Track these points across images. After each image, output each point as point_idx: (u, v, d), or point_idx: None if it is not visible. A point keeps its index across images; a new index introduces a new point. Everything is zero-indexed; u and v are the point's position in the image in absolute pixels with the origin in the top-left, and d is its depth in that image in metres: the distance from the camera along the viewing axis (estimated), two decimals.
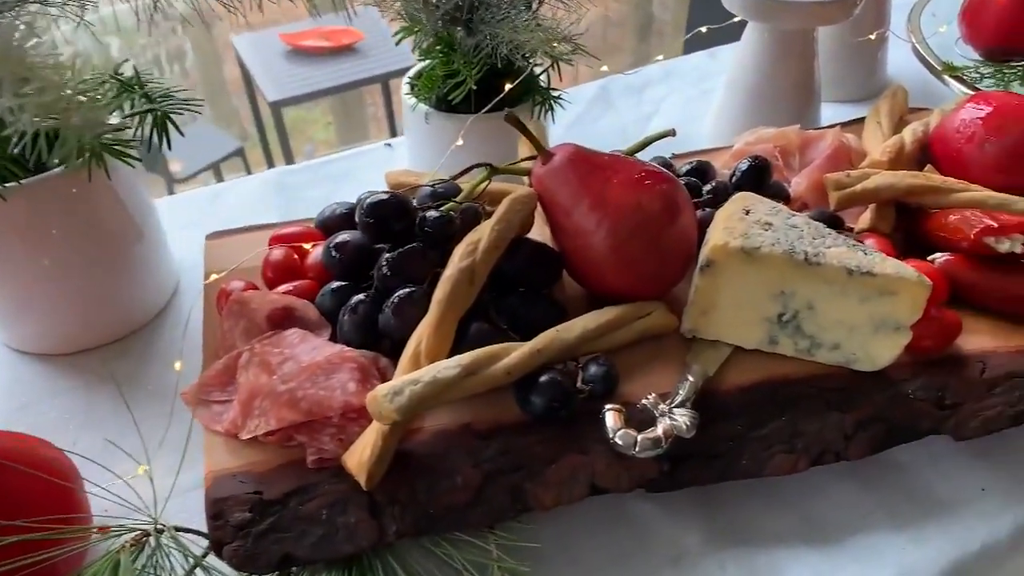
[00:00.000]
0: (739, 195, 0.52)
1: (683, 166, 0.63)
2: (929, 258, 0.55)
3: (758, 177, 0.58)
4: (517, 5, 0.68)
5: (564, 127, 0.85)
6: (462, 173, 0.56)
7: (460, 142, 0.61)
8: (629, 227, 0.49)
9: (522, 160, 0.54)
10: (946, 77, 0.80)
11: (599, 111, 0.87)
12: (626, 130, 0.84)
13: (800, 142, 0.65)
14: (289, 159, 3.17)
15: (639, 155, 0.61)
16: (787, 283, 0.48)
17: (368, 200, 0.51)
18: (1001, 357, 0.50)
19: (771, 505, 0.49)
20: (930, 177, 0.58)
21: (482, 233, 0.49)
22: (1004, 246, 0.52)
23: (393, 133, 2.89)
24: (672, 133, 0.58)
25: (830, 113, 0.83)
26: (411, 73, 0.74)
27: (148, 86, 0.58)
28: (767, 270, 0.47)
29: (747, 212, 0.49)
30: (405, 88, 0.73)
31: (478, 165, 0.54)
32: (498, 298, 0.51)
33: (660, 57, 0.89)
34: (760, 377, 0.50)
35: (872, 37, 0.77)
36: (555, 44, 0.60)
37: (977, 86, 0.78)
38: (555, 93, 0.72)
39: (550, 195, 0.51)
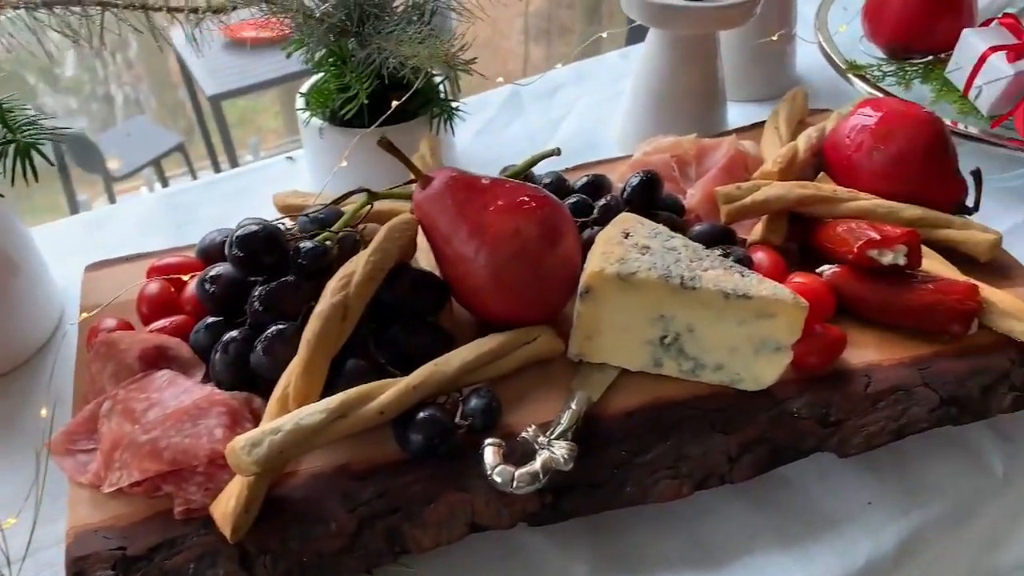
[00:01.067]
0: (621, 217, 0.51)
1: (579, 180, 0.62)
2: (818, 270, 0.55)
3: (649, 192, 0.57)
4: (409, 16, 0.66)
5: (473, 134, 0.83)
6: (343, 198, 0.54)
7: (344, 163, 0.59)
8: (508, 254, 0.48)
9: (402, 185, 0.52)
10: (850, 76, 0.80)
11: (509, 116, 0.86)
12: (535, 136, 0.83)
13: (696, 151, 0.65)
14: (232, 154, 3.10)
15: (539, 169, 0.61)
16: (665, 307, 0.47)
17: (237, 233, 0.49)
18: (886, 370, 0.50)
19: (660, 529, 0.49)
20: (820, 187, 0.58)
21: (357, 265, 0.48)
22: (887, 258, 0.52)
23: None
24: (556, 152, 0.56)
25: (738, 113, 0.83)
26: (306, 86, 0.72)
27: (10, 114, 0.55)
28: (644, 295, 0.47)
29: (626, 235, 0.49)
30: (299, 102, 0.71)
31: (358, 191, 0.52)
32: (379, 330, 0.49)
33: (587, 53, 0.88)
34: (646, 400, 0.49)
35: (774, 39, 0.77)
36: (442, 60, 0.58)
37: (880, 84, 0.78)
38: (455, 104, 0.71)
39: (430, 221, 0.50)
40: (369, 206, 0.53)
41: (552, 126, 0.84)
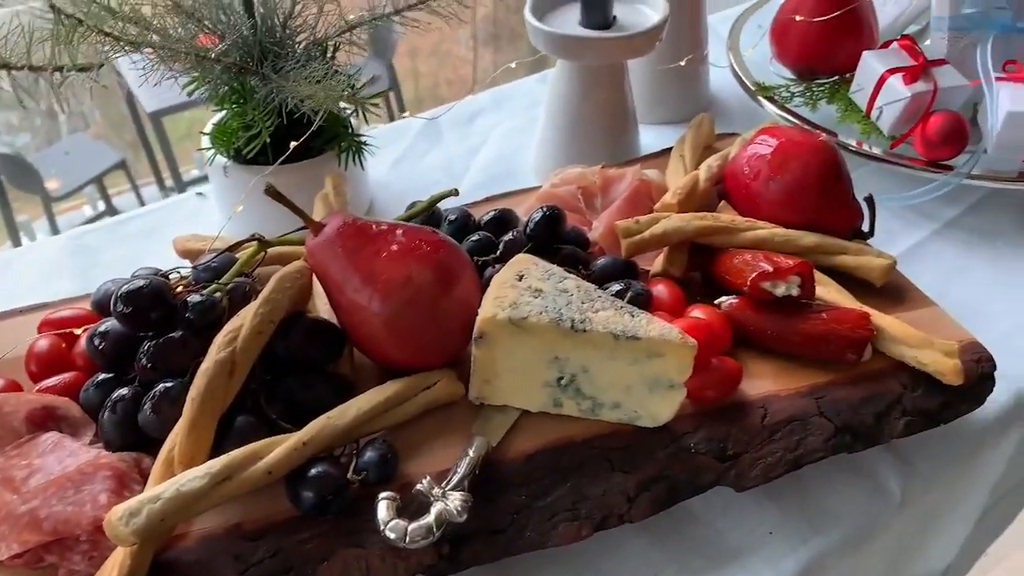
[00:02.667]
0: (517, 258, 0.51)
1: (486, 215, 0.62)
2: (716, 302, 0.55)
3: (551, 227, 0.57)
4: (311, 54, 0.65)
5: (389, 164, 0.83)
6: (237, 245, 0.53)
7: (239, 209, 0.58)
8: (401, 301, 0.47)
9: (295, 231, 0.52)
10: (759, 98, 0.81)
11: (427, 145, 0.85)
12: (453, 164, 0.83)
13: (602, 182, 0.65)
14: (175, 171, 3.04)
15: (446, 204, 0.60)
16: (559, 349, 0.47)
17: (122, 289, 0.47)
18: (782, 401, 0.51)
19: (565, 568, 0.49)
20: (718, 218, 0.59)
21: (245, 318, 0.47)
22: (780, 290, 0.53)
23: None
24: (455, 193, 0.56)
25: (653, 136, 0.84)
26: (210, 124, 0.70)
27: None
28: (537, 339, 0.47)
29: (520, 278, 0.48)
30: (204, 140, 0.70)
31: (251, 238, 0.52)
32: (272, 383, 0.48)
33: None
34: (546, 441, 0.49)
35: (682, 64, 0.78)
36: (338, 100, 0.58)
37: (788, 106, 0.80)
38: (362, 138, 0.70)
39: (322, 269, 0.49)
40: (262, 254, 0.52)
41: (470, 154, 0.84)
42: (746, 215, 0.61)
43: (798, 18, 0.77)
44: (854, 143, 0.75)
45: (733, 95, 0.88)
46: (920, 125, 0.71)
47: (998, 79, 0.71)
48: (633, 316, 0.47)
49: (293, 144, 0.59)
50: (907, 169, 0.72)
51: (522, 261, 0.50)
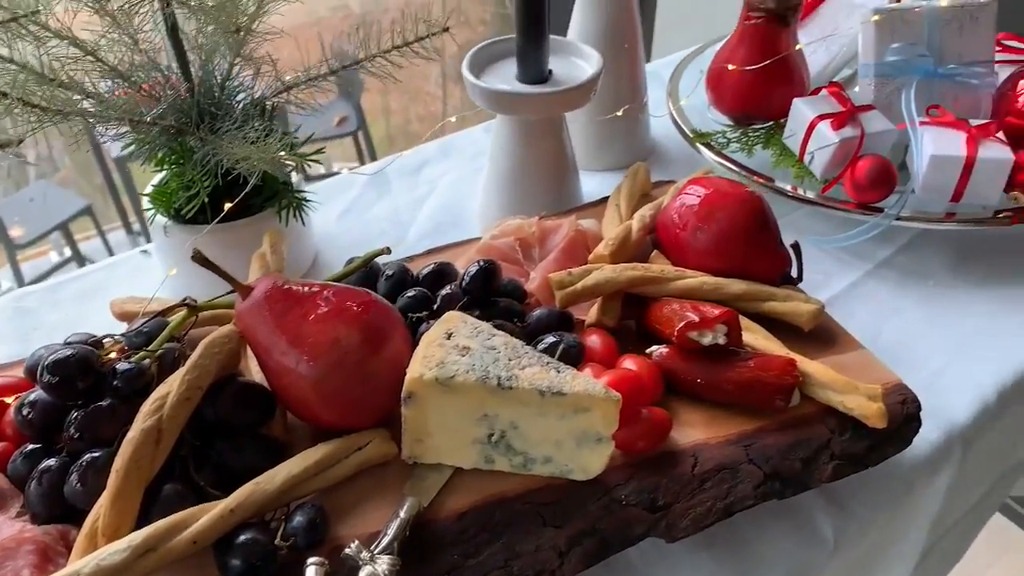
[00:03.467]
0: (447, 315, 0.51)
1: (424, 269, 0.62)
2: (647, 351, 0.56)
3: (486, 281, 0.58)
4: (249, 113, 0.66)
5: (336, 215, 0.83)
6: (169, 310, 0.53)
7: (174, 271, 0.58)
8: (328, 364, 0.47)
9: (224, 295, 0.52)
10: (697, 145, 0.83)
11: (374, 195, 0.86)
12: (400, 214, 0.83)
13: (540, 233, 0.66)
14: (142, 216, 3.03)
15: (391, 258, 0.61)
16: (487, 407, 0.47)
17: (48, 359, 0.47)
18: (712, 449, 0.52)
19: None
20: (649, 268, 0.60)
21: (171, 386, 0.47)
22: (707, 339, 0.54)
23: None
24: (387, 251, 0.57)
25: (596, 184, 0.85)
26: (150, 185, 0.71)
27: None
28: (465, 397, 0.47)
29: (448, 336, 0.49)
30: (145, 201, 0.70)
31: (181, 303, 0.52)
32: (203, 448, 0.48)
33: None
34: (480, 498, 0.49)
35: (619, 114, 0.79)
36: (272, 162, 0.58)
37: (724, 152, 0.82)
38: (303, 194, 0.71)
39: (251, 333, 0.50)
40: (193, 318, 0.52)
41: (417, 204, 0.85)
42: (678, 263, 0.62)
43: (730, 67, 0.80)
44: (789, 187, 0.77)
45: (675, 140, 0.90)
46: (849, 169, 0.73)
47: (922, 123, 0.74)
48: (559, 371, 0.47)
49: (228, 205, 0.60)
50: (839, 212, 0.74)
51: (451, 319, 0.51)
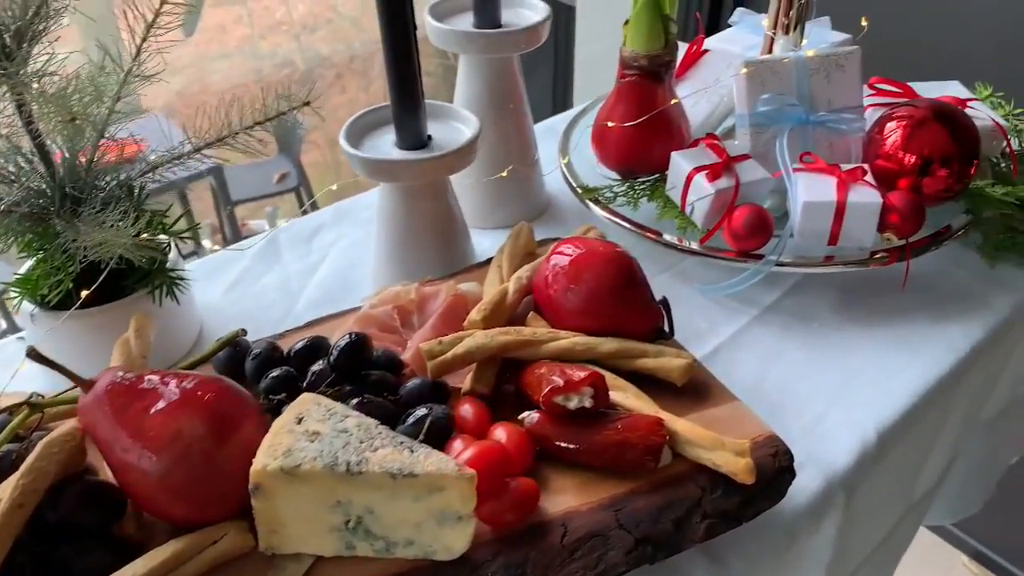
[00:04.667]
0: (301, 398, 0.50)
1: (296, 344, 0.61)
2: (519, 417, 0.55)
3: (355, 356, 0.57)
4: (116, 195, 0.65)
5: (224, 288, 0.82)
6: (14, 407, 0.51)
7: (23, 366, 0.56)
8: (171, 458, 0.46)
9: (68, 391, 0.50)
10: (586, 200, 0.84)
11: (264, 265, 0.85)
12: (290, 284, 0.82)
13: (419, 300, 0.66)
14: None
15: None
16: (339, 493, 0.46)
17: None
18: (583, 516, 0.51)
19: None
20: (520, 331, 0.59)
21: (4, 491, 0.44)
22: (573, 403, 0.53)
23: None
24: (243, 333, 0.56)
25: (491, 242, 0.85)
26: (13, 273, 0.68)
27: None
28: (314, 485, 0.46)
29: (299, 420, 0.48)
30: (12, 293, 0.68)
31: (24, 401, 0.50)
32: (46, 553, 0.46)
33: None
34: None
35: (504, 175, 0.80)
36: (130, 247, 0.57)
37: (611, 206, 0.83)
38: (177, 273, 0.69)
39: (93, 429, 0.48)
40: (38, 415, 0.50)
41: (309, 272, 0.84)
42: (554, 324, 0.62)
43: (610, 124, 0.81)
44: (674, 239, 0.78)
45: (569, 195, 0.91)
46: (726, 219, 0.74)
47: (796, 170, 0.75)
48: (413, 451, 0.46)
49: (84, 293, 0.58)
50: (721, 260, 0.75)
51: (304, 402, 0.49)
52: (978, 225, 0.79)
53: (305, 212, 0.93)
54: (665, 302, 0.62)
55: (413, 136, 0.73)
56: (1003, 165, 0.86)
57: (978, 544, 1.69)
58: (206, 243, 4.26)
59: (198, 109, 0.62)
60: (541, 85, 2.44)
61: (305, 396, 0.50)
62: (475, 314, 0.61)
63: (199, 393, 0.48)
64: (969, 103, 0.84)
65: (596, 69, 1.99)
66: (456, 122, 0.77)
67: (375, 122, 0.76)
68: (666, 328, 0.62)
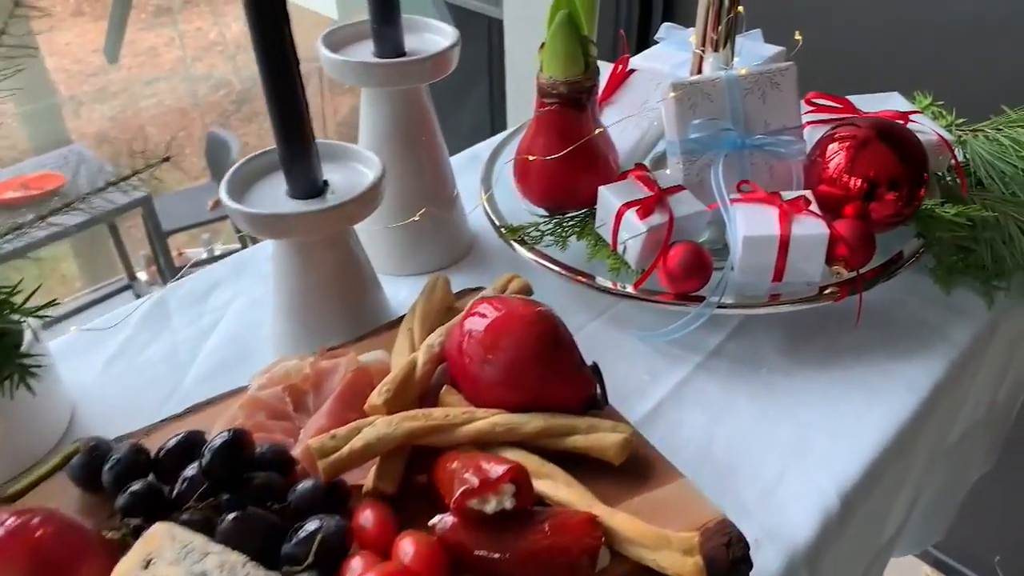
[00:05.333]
0: (153, 529, 0.41)
1: (169, 441, 0.52)
2: (431, 523, 0.47)
3: (233, 457, 0.48)
4: None
5: (104, 362, 0.71)
6: None
7: None
8: None
9: None
10: (510, 240, 0.76)
11: (151, 333, 0.75)
12: (179, 354, 0.72)
13: (315, 377, 0.57)
14: None
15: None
16: None
17: None
18: None
19: None
20: (430, 414, 0.51)
21: None
22: (491, 506, 0.45)
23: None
24: (90, 445, 0.46)
25: (410, 290, 0.77)
26: None
27: None
28: None
29: (147, 564, 0.39)
30: None
31: None
32: None
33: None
34: None
35: (416, 218, 0.72)
36: None
37: (537, 247, 0.75)
38: (29, 360, 0.59)
39: None
40: None
41: (201, 337, 0.74)
42: (472, 398, 0.54)
43: (531, 158, 0.73)
44: (608, 283, 0.71)
45: (495, 233, 0.83)
46: (662, 259, 0.67)
47: (733, 201, 0.69)
48: None
49: None
50: (658, 304, 0.68)
51: (154, 538, 0.40)
52: (929, 248, 0.74)
53: (242, 237, 0.83)
54: (596, 368, 0.54)
55: (306, 183, 0.64)
56: (949, 179, 0.81)
57: (939, 553, 1.66)
58: (141, 275, 4.10)
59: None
60: (477, 104, 2.37)
61: (157, 529, 0.41)
62: (376, 397, 0.52)
63: (19, 535, 0.38)
64: (911, 116, 0.79)
65: (529, 86, 1.92)
66: (357, 163, 0.68)
67: (264, 168, 0.67)
68: (599, 396, 0.54)
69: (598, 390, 0.54)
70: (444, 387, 0.55)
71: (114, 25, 5.08)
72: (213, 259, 4.68)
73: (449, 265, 0.82)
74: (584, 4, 0.69)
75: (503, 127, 2.15)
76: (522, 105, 1.99)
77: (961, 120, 0.89)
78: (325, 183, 0.66)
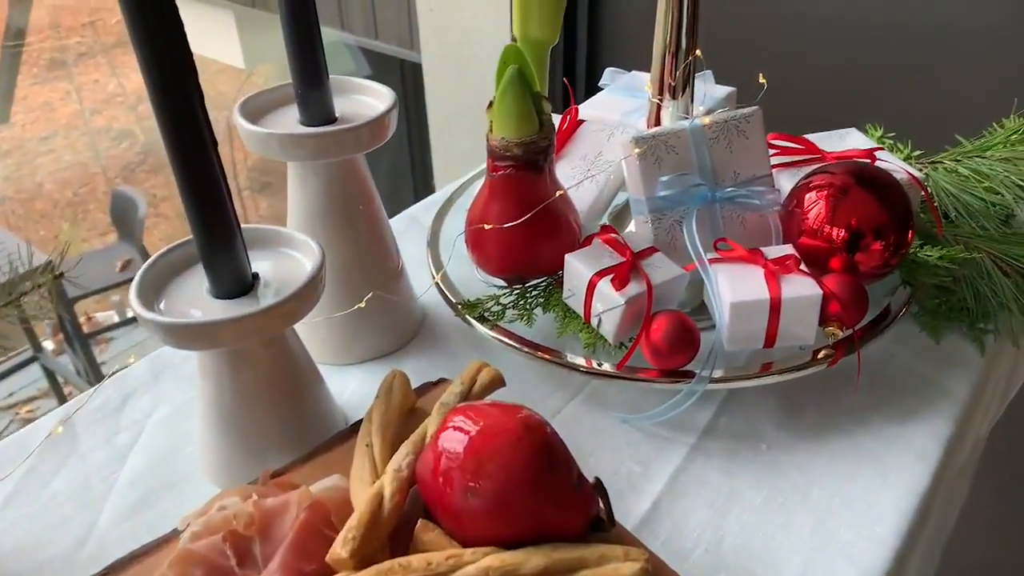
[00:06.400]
0: None
1: None
2: None
3: None
4: None
5: (3, 498, 0.60)
6: None
7: None
8: None
9: None
10: (468, 318, 0.68)
11: (56, 461, 0.63)
12: (91, 485, 0.61)
13: (260, 519, 0.47)
14: None
15: None
16: None
17: None
18: None
19: None
20: (408, 565, 0.42)
21: None
22: None
23: None
24: None
25: (359, 382, 0.68)
26: None
27: None
28: None
29: None
30: None
31: None
32: None
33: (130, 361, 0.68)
34: None
35: (361, 305, 0.63)
36: None
37: (500, 324, 0.67)
38: None
39: None
40: None
41: (117, 461, 0.63)
42: (454, 533, 0.45)
43: (487, 227, 0.66)
44: (582, 361, 0.64)
45: (446, 305, 0.75)
46: (644, 333, 0.60)
47: (712, 260, 0.63)
48: None
49: None
50: (645, 383, 0.61)
51: None
52: (914, 294, 0.70)
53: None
54: (600, 485, 0.46)
55: (232, 280, 0.55)
56: (924, 217, 0.77)
57: None
58: (47, 344, 3.83)
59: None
60: (396, 148, 2.30)
61: None
62: (340, 547, 0.43)
63: None
64: (876, 153, 0.75)
65: (452, 129, 1.86)
66: (290, 250, 0.60)
67: (180, 262, 0.58)
68: (604, 515, 0.46)
69: (601, 506, 0.46)
70: (420, 522, 0.46)
71: (2, 83, 4.83)
72: (127, 322, 4.43)
73: (399, 348, 0.73)
74: (535, 58, 0.63)
75: (426, 167, 2.07)
76: (448, 151, 1.92)
77: (919, 152, 0.86)
78: (255, 276, 0.56)
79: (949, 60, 1.19)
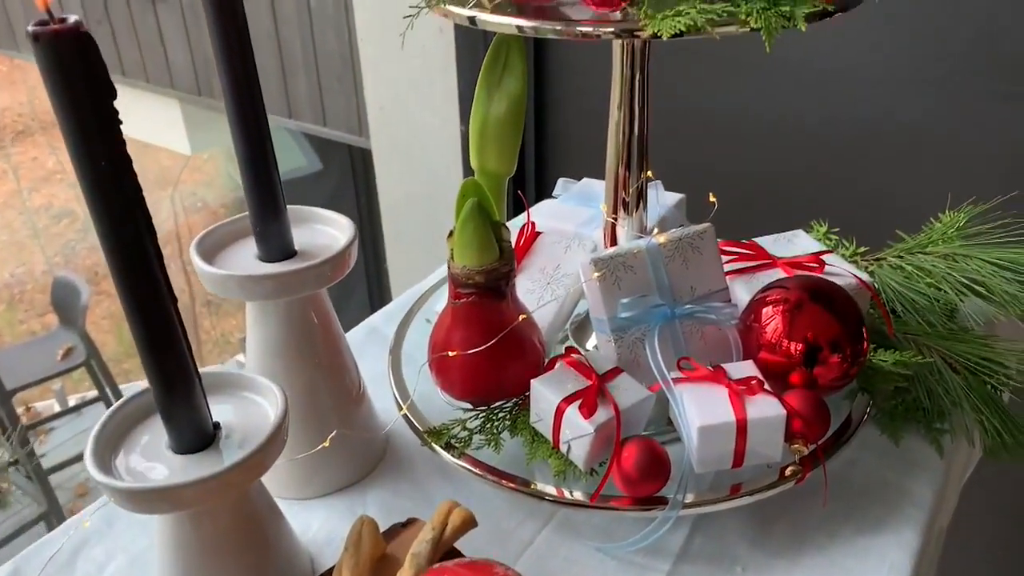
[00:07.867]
0: None
1: None
2: None
3: None
4: None
5: None
6: None
7: None
8: None
9: None
10: (433, 446, 0.67)
11: None
12: None
13: None
14: None
15: None
16: None
17: None
18: None
19: None
20: None
21: None
22: None
23: None
24: None
25: (320, 521, 0.66)
26: None
27: None
28: None
29: None
30: None
31: None
32: None
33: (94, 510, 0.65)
34: None
35: (326, 444, 0.61)
36: None
37: (467, 451, 0.66)
38: None
39: None
40: None
41: None
42: None
43: (451, 354, 0.65)
44: (554, 490, 0.63)
45: (408, 430, 0.74)
46: (615, 462, 0.60)
47: (676, 380, 0.63)
48: None
49: None
50: (618, 512, 0.61)
51: None
52: (872, 400, 0.71)
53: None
54: None
55: (191, 434, 0.53)
56: (872, 311, 0.79)
57: None
58: None
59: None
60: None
61: None
62: None
63: None
64: (824, 257, 0.78)
65: (404, 215, 1.87)
66: (251, 394, 0.58)
67: (139, 414, 0.56)
68: None
69: None
70: None
71: None
72: (69, 410, 4.26)
73: (362, 478, 0.71)
74: (492, 188, 0.64)
75: (379, 253, 2.07)
76: (400, 237, 1.93)
77: (864, 249, 0.89)
78: (216, 426, 0.55)
79: (885, 155, 1.25)
